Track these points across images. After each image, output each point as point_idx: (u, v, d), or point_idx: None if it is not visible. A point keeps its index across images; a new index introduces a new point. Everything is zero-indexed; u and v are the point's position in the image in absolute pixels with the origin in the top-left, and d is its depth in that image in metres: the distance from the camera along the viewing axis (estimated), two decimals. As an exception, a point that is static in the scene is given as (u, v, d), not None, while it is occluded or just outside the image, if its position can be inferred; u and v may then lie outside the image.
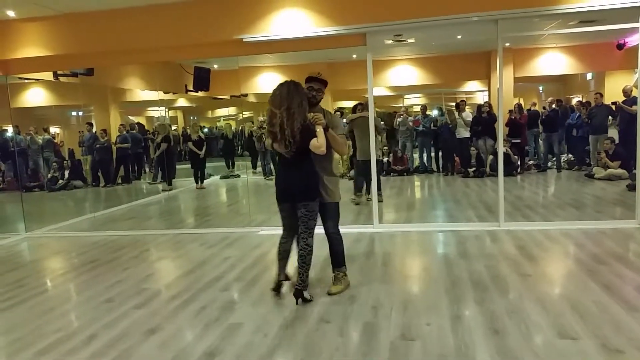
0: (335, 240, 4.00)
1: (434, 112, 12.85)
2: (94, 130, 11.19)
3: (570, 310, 3.40)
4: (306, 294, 3.80)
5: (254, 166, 12.28)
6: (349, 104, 10.49)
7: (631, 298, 3.59)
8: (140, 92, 11.14)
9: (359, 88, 10.87)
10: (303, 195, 3.76)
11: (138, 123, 12.76)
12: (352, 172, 9.56)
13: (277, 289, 3.99)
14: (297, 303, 3.77)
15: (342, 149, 3.94)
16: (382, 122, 9.26)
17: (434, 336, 3.13)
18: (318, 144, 3.62)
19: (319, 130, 3.65)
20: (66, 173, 11.40)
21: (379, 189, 7.87)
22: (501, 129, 6.40)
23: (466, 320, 3.34)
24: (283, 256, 3.96)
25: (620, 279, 4.00)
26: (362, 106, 8.04)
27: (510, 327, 3.19)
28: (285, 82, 3.71)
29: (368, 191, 8.02)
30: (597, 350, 2.84)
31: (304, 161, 3.74)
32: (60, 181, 11.27)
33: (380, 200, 7.76)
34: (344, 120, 8.07)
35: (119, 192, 11.16)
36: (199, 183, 11.05)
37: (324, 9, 5.90)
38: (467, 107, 11.37)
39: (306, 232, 3.79)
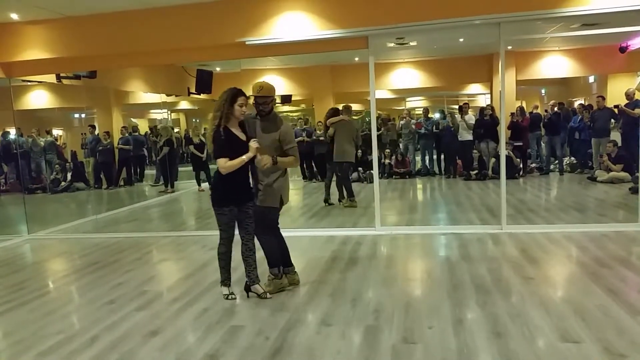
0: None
1: (436, 115, 12.84)
2: (96, 132, 11.23)
3: (573, 314, 3.39)
4: (258, 288, 3.99)
5: None
6: (353, 107, 10.48)
7: (634, 301, 3.58)
8: (142, 95, 11.18)
9: (361, 91, 10.88)
10: (248, 197, 3.93)
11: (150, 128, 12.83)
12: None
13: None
14: (247, 296, 4.01)
15: (294, 165, 4.12)
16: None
17: (436, 339, 3.12)
18: (225, 164, 3.75)
19: (244, 158, 3.75)
20: (68, 175, 11.43)
21: (352, 195, 7.95)
22: (503, 132, 6.38)
23: (468, 324, 3.33)
24: (222, 257, 4.01)
25: (624, 282, 3.99)
26: (342, 110, 8.18)
27: (513, 331, 3.18)
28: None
29: (343, 195, 8.06)
30: (599, 354, 2.83)
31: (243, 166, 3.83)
32: (63, 183, 11.30)
33: (353, 206, 7.88)
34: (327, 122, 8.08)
35: (121, 194, 11.18)
36: (201, 185, 11.05)
37: (326, 12, 5.91)
38: (469, 109, 11.37)
39: (247, 236, 3.96)
